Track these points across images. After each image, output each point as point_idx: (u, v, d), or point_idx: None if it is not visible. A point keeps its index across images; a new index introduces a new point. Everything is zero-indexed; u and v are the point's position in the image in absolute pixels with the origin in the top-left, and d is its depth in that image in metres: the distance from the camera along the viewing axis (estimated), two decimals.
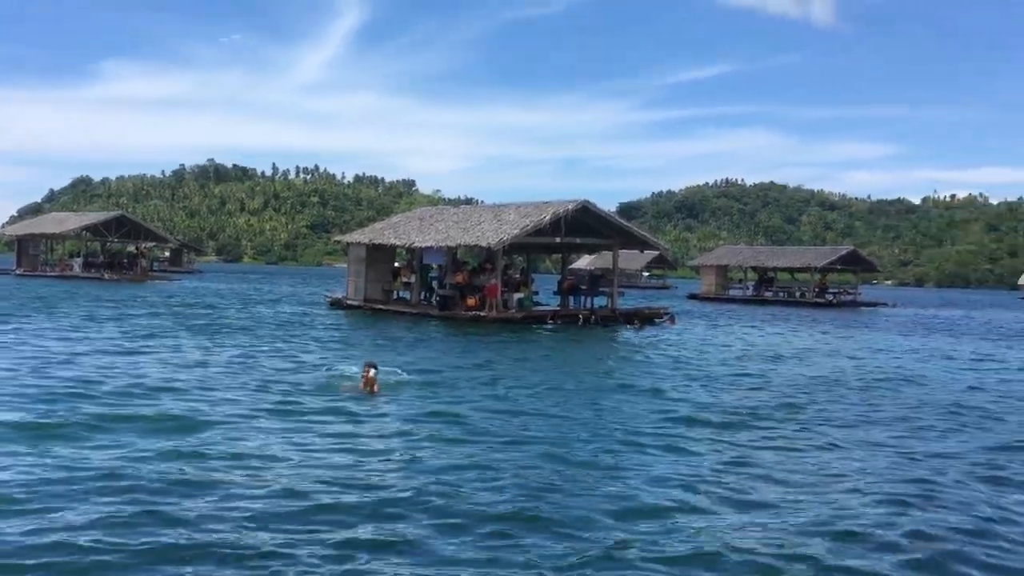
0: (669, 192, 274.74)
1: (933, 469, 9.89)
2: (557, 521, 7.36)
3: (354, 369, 15.17)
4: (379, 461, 9.38)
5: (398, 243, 37.02)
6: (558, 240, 34.60)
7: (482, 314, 31.36)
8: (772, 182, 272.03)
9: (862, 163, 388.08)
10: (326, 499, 7.80)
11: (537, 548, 6.71)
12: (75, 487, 7.85)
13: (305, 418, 11.66)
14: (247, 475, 8.54)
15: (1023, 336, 36.27)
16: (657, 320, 35.56)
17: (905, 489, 8.85)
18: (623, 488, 8.54)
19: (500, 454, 9.82)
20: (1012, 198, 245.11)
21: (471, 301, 32.52)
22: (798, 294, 64.55)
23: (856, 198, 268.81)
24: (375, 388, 13.59)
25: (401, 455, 9.66)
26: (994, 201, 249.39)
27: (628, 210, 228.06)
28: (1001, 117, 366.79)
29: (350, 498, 7.85)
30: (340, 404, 12.74)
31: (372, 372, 13.70)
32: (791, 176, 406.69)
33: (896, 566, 6.62)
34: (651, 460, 9.90)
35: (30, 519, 6.90)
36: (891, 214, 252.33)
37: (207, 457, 9.20)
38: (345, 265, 42.10)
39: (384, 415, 12.10)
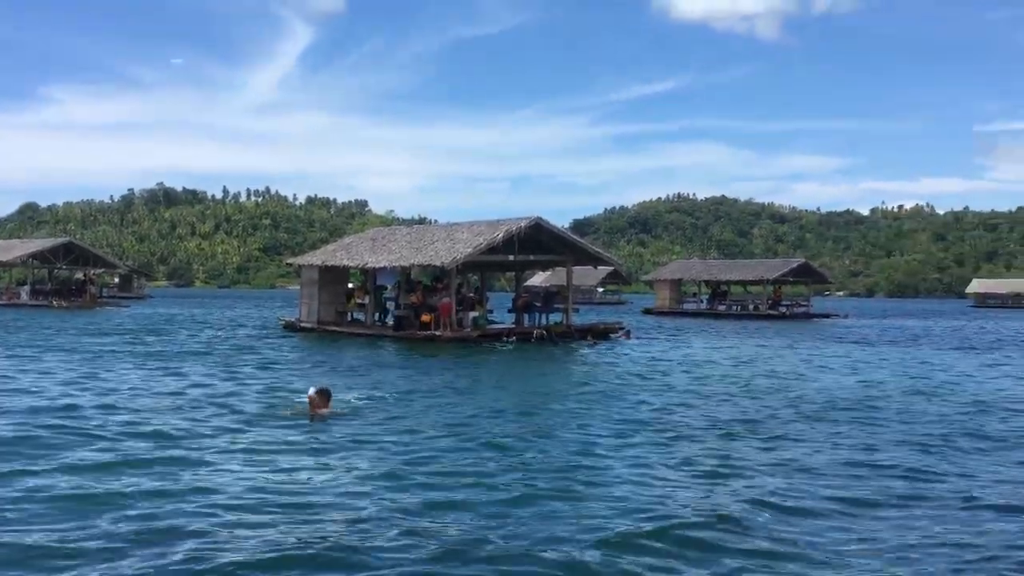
0: (622, 208, 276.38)
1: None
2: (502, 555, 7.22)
3: (303, 395, 14.66)
4: (310, 484, 9.22)
5: (351, 264, 36.79)
6: (512, 258, 34.60)
7: (437, 333, 31.20)
8: (723, 196, 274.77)
9: (811, 175, 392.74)
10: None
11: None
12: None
13: (246, 445, 11.35)
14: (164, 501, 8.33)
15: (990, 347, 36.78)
16: (612, 335, 35.67)
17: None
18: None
19: (428, 490, 9.33)
20: (958, 207, 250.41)
21: (426, 317, 32.37)
22: (751, 307, 65.09)
23: (806, 210, 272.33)
24: (325, 412, 13.26)
25: (333, 481, 9.48)
26: (940, 211, 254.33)
27: (581, 226, 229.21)
28: (945, 129, 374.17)
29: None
30: (283, 431, 12.42)
31: (315, 395, 13.43)
32: (742, 190, 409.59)
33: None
34: (611, 480, 9.81)
35: None
36: (840, 225, 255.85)
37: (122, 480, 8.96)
38: (298, 287, 41.75)
39: (325, 442, 11.57)
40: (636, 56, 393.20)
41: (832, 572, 6.80)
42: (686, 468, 10.46)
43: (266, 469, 9.98)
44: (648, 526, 7.79)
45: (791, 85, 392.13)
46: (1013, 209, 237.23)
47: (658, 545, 7.31)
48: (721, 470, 10.37)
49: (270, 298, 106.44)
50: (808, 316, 62.79)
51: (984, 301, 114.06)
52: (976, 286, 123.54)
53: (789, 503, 8.84)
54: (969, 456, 11.55)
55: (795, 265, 67.22)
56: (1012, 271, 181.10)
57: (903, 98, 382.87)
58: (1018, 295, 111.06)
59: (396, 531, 7.55)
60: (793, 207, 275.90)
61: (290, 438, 11.85)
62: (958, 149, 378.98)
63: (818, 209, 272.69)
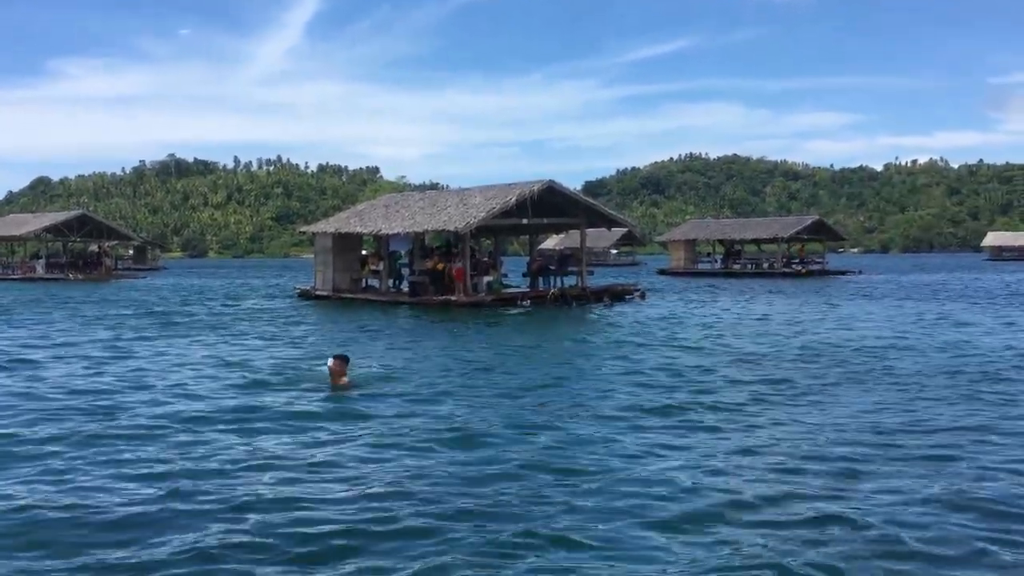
0: (634, 169, 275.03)
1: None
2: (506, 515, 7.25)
3: (322, 362, 14.32)
4: (336, 457, 9.19)
5: (364, 231, 36.74)
6: (525, 221, 34.51)
7: (452, 298, 31.20)
8: (736, 155, 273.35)
9: (824, 132, 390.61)
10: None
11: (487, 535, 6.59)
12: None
13: (267, 416, 11.33)
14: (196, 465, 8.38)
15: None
16: (627, 296, 35.64)
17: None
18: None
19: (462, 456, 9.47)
20: (972, 161, 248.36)
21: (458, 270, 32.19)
22: (766, 265, 64.91)
23: (819, 167, 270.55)
24: (345, 382, 13.04)
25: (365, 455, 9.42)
26: (954, 165, 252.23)
27: (593, 189, 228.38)
28: (957, 83, 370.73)
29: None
30: (304, 400, 12.29)
31: (335, 364, 13.15)
32: (754, 148, 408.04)
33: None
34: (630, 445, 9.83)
35: None
36: (854, 182, 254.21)
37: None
38: (312, 256, 41.76)
39: (348, 412, 11.42)
40: (645, 17, 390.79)
41: None
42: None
43: (295, 441, 9.93)
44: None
45: (803, 43, 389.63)
46: None
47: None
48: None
49: (284, 267, 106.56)
50: (824, 273, 62.57)
51: (1000, 254, 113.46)
52: (991, 239, 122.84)
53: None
54: None
55: (809, 222, 67.01)
56: None
57: (915, 53, 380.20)
58: None
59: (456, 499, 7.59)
60: (806, 164, 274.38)
61: (313, 409, 11.68)
62: (972, 102, 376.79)
63: (831, 166, 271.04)
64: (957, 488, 7.74)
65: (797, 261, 65.12)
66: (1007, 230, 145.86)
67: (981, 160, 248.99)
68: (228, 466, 8.69)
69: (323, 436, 10.11)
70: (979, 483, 7.95)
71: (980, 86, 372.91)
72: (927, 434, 10.01)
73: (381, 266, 36.88)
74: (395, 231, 35.02)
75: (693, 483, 7.91)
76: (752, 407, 11.75)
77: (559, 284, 36.03)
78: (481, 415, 11.15)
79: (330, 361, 13.36)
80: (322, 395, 12.69)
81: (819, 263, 65.61)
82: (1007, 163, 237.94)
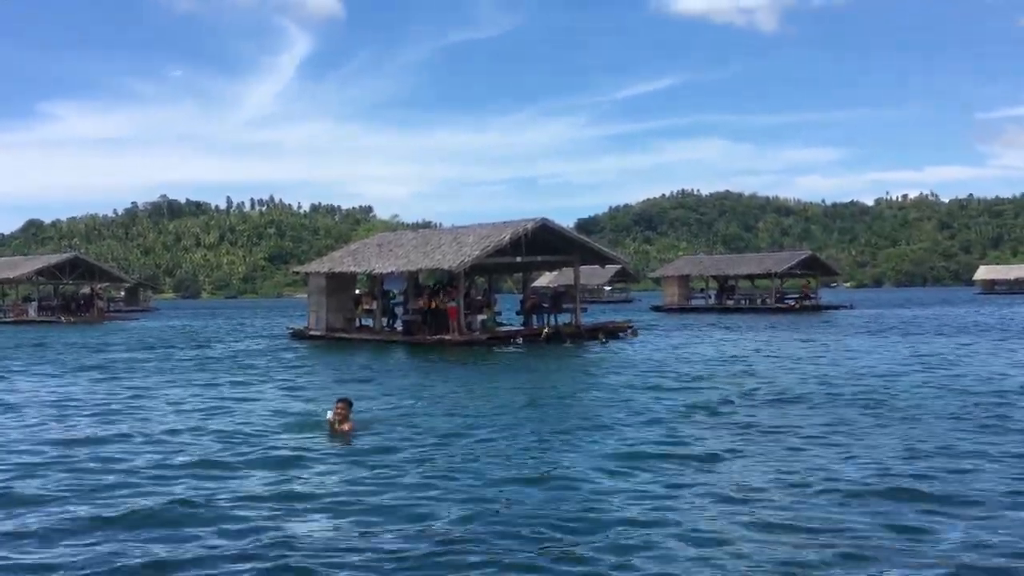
0: (626, 206, 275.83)
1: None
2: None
3: (324, 407, 13.96)
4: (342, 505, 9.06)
5: (358, 270, 36.71)
6: (519, 259, 34.51)
7: (447, 337, 31.11)
8: (727, 191, 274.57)
9: (814, 167, 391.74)
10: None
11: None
12: None
13: (266, 462, 11.13)
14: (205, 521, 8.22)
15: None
16: (621, 334, 35.55)
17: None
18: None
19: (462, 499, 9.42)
20: (962, 195, 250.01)
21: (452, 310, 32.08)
22: (759, 301, 64.98)
23: (811, 203, 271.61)
24: (348, 427, 12.60)
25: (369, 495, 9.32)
26: (945, 199, 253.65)
27: (586, 226, 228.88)
28: (947, 116, 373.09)
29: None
30: (304, 446, 11.99)
31: (338, 408, 12.72)
32: (746, 184, 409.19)
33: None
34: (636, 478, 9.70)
35: None
36: (846, 217, 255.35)
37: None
38: (305, 295, 41.68)
39: (347, 457, 11.17)
40: (632, 54, 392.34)
41: None
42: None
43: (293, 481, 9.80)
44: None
45: (790, 78, 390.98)
46: (1017, 195, 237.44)
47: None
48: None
49: (278, 307, 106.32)
50: (817, 308, 62.61)
51: (991, 288, 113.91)
52: (983, 273, 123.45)
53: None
54: None
55: (802, 257, 67.27)
56: (1018, 257, 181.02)
57: (904, 87, 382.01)
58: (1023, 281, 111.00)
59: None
60: (798, 200, 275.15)
61: (313, 454, 11.43)
62: (961, 136, 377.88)
63: (823, 201, 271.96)
64: None
65: (799, 296, 65.24)
66: (999, 263, 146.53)
67: (971, 194, 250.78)
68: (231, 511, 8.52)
69: (330, 481, 9.87)
70: None
71: (969, 120, 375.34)
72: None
73: (375, 305, 36.81)
74: (389, 270, 34.99)
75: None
76: (744, 448, 11.62)
77: (553, 322, 35.95)
78: (489, 458, 10.90)
79: (328, 415, 12.86)
80: (325, 440, 12.33)
81: (812, 298, 65.66)
82: (997, 197, 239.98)
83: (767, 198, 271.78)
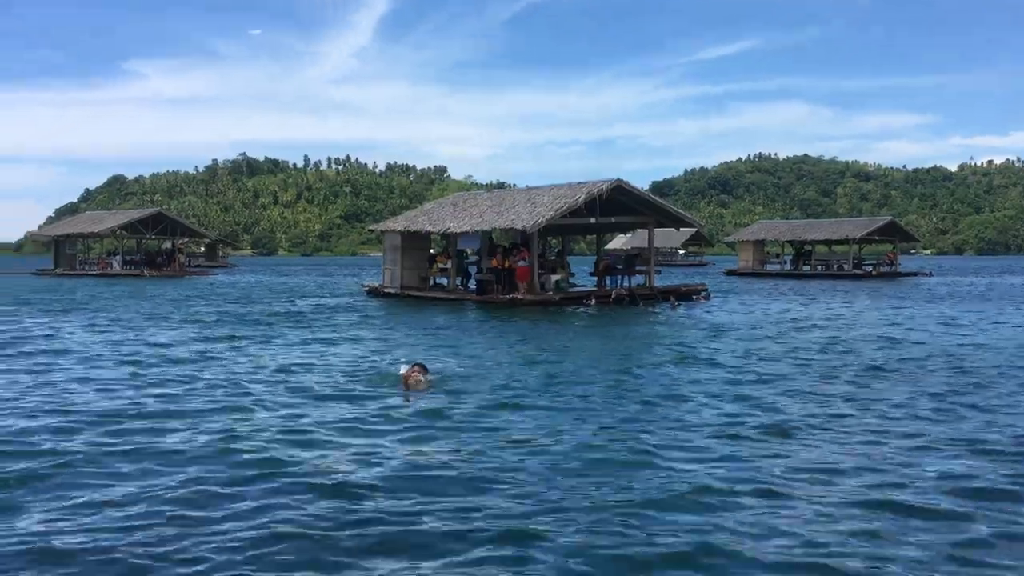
0: (702, 169, 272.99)
1: None
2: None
3: (397, 365, 14.00)
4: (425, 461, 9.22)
5: (433, 229, 36.93)
6: (593, 221, 34.41)
7: (519, 297, 31.24)
8: (806, 155, 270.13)
9: (896, 132, 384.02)
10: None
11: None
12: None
13: (345, 418, 11.32)
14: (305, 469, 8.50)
15: None
16: (694, 296, 35.36)
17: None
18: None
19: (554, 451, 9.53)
20: None
21: (522, 270, 32.26)
22: (836, 267, 64.02)
23: (891, 168, 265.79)
24: (421, 386, 12.57)
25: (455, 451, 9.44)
26: None
27: (661, 188, 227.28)
28: None
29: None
30: (381, 404, 11.92)
31: (414, 369, 12.80)
32: (825, 148, 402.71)
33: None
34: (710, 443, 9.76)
35: None
36: (927, 183, 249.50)
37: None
38: (380, 254, 42.11)
39: (427, 414, 11.10)
40: (715, 15, 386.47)
41: None
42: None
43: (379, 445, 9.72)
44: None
45: (873, 41, 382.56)
46: None
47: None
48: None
49: (352, 265, 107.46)
50: (896, 275, 61.52)
51: None
52: None
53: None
54: None
55: (881, 223, 65.88)
56: None
57: (989, 49, 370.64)
58: None
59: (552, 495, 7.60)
60: (878, 164, 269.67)
61: (391, 411, 11.41)
62: None
63: (904, 166, 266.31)
64: None
65: (876, 263, 64.19)
66: None
67: None
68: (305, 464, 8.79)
69: (403, 438, 9.81)
70: None
71: None
72: None
73: (449, 264, 37.09)
74: (463, 229, 35.16)
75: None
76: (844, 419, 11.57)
77: (626, 284, 35.92)
78: (565, 417, 10.87)
79: (406, 368, 12.97)
80: (398, 399, 12.23)
81: (892, 265, 64.49)
82: None
83: (846, 163, 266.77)
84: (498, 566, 5.94)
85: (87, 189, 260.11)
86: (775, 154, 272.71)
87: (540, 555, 6.11)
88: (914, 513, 7.03)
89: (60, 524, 6.75)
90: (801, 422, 10.61)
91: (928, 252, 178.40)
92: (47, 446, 9.30)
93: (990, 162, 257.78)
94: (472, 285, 36.13)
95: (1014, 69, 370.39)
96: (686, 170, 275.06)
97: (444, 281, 37.69)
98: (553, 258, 36.92)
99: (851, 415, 11.10)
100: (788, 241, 69.20)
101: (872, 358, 16.64)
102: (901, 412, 11.27)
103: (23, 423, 10.50)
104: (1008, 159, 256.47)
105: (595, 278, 37.62)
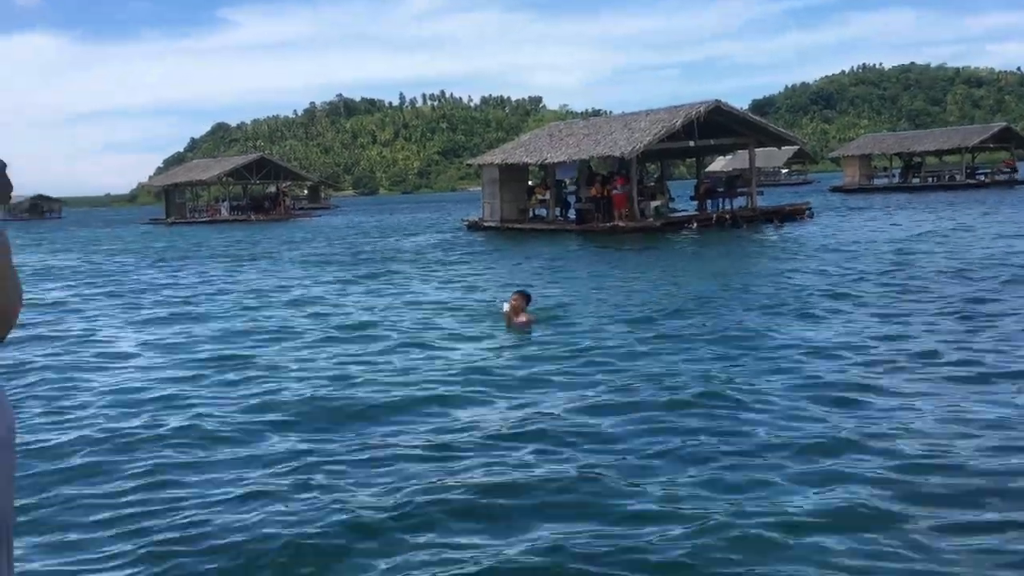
0: (803, 84, 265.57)
1: None
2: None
3: (502, 299, 13.45)
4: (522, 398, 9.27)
5: (530, 161, 36.89)
6: (691, 144, 33.95)
7: (620, 224, 31.09)
8: (912, 63, 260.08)
9: (1009, 33, 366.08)
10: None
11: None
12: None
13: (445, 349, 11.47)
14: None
15: None
16: (799, 216, 34.65)
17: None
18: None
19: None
20: None
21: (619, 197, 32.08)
22: (947, 177, 61.86)
23: (1005, 71, 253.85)
24: (524, 319, 12.17)
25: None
26: None
27: (761, 107, 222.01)
28: None
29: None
30: (487, 339, 11.77)
31: (516, 300, 12.27)
32: (932, 55, 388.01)
33: None
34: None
35: None
36: None
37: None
38: (479, 188, 42.26)
39: (520, 349, 10.92)
40: None
41: None
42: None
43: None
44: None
45: None
46: None
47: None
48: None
49: (452, 200, 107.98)
50: (1012, 183, 59.14)
51: None
52: None
53: None
54: None
55: (996, 130, 63.26)
56: None
57: None
58: None
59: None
60: (990, 69, 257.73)
61: (493, 344, 11.37)
62: None
63: (1018, 69, 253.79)
64: None
65: (990, 171, 61.75)
66: None
67: None
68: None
69: (508, 372, 9.58)
70: None
71: None
72: None
73: (548, 195, 37.03)
74: (561, 159, 35.04)
75: None
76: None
77: (728, 206, 35.42)
78: (676, 356, 10.12)
79: (508, 303, 12.40)
80: (503, 334, 12.01)
81: (1006, 172, 61.95)
82: None
83: (956, 69, 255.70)
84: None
85: (192, 138, 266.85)
86: (879, 64, 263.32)
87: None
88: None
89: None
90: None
91: None
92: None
93: None
94: (572, 215, 36.07)
95: None
96: (786, 86, 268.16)
97: (544, 212, 37.68)
98: (652, 184, 36.57)
99: None
100: (896, 154, 67.06)
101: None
102: None
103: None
104: None
105: (696, 202, 37.17)
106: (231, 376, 10.10)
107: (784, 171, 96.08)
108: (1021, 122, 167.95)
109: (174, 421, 8.07)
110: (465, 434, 7.34)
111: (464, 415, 7.97)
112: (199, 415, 8.23)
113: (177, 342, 12.69)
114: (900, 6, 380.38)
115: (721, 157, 70.76)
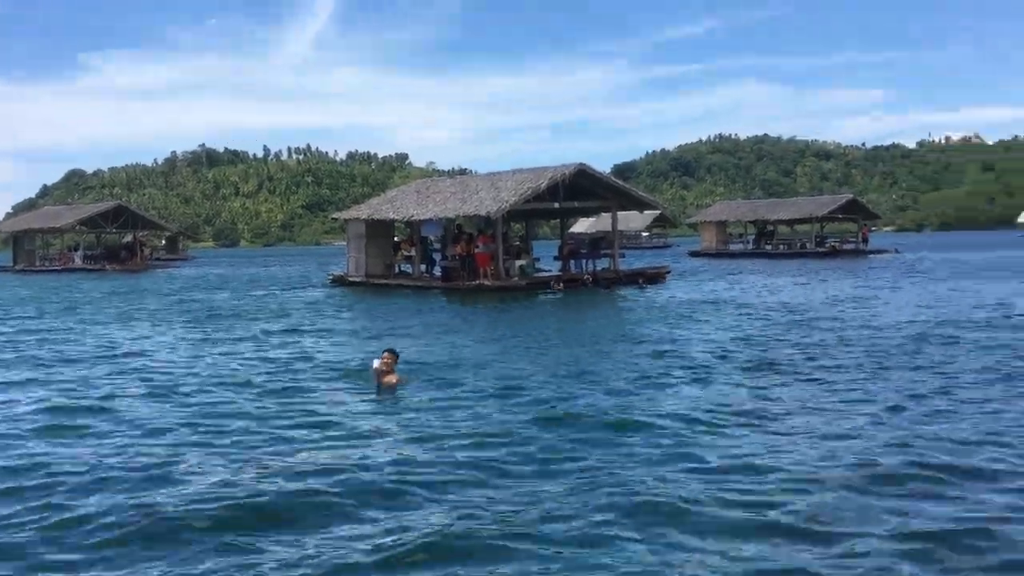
0: (663, 151, 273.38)
1: None
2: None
3: (369, 358, 13.06)
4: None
5: (396, 217, 36.86)
6: (556, 205, 34.50)
7: (485, 283, 31.23)
8: (766, 135, 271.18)
9: (855, 110, 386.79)
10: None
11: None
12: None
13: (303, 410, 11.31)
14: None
15: None
16: (660, 279, 35.48)
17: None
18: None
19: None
20: (1007, 137, 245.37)
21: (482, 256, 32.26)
22: (799, 245, 64.55)
23: (851, 146, 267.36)
24: (394, 379, 11.87)
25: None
26: (990, 141, 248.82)
27: (623, 171, 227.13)
28: (992, 56, 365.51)
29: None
30: (352, 402, 11.41)
31: (384, 359, 11.96)
32: (785, 128, 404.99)
33: None
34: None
35: None
36: (887, 160, 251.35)
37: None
38: (343, 243, 41.92)
39: (392, 412, 10.63)
40: None
41: None
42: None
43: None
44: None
45: (828, 18, 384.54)
46: None
47: None
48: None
49: (316, 254, 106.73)
50: (859, 252, 62.01)
51: None
52: None
53: None
54: None
55: (843, 201, 66.63)
56: None
57: (946, 26, 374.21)
58: None
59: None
60: (837, 143, 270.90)
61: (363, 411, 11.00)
62: (1006, 77, 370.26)
63: (863, 144, 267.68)
64: None
65: (842, 240, 64.77)
66: None
67: (1016, 136, 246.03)
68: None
69: (382, 443, 9.15)
70: None
71: (1017, 58, 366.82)
72: None
73: (414, 251, 37.02)
74: (427, 216, 35.11)
75: None
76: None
77: (591, 267, 36.01)
78: (557, 407, 10.47)
79: (375, 362, 12.00)
80: (371, 395, 11.72)
81: (852, 242, 65.05)
82: None
83: (806, 142, 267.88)
84: None
85: (45, 185, 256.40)
86: (735, 135, 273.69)
87: None
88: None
89: None
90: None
91: (888, 229, 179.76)
92: None
93: (948, 139, 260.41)
94: (437, 272, 36.11)
95: (974, 44, 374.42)
96: (647, 152, 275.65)
97: (409, 268, 37.61)
98: (517, 243, 36.94)
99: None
100: (751, 221, 69.72)
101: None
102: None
103: None
104: (966, 135, 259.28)
105: (560, 262, 37.69)
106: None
107: (645, 234, 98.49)
108: (867, 194, 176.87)
109: None
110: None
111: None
112: None
113: None
114: (749, 79, 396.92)
115: (585, 219, 72.12)
